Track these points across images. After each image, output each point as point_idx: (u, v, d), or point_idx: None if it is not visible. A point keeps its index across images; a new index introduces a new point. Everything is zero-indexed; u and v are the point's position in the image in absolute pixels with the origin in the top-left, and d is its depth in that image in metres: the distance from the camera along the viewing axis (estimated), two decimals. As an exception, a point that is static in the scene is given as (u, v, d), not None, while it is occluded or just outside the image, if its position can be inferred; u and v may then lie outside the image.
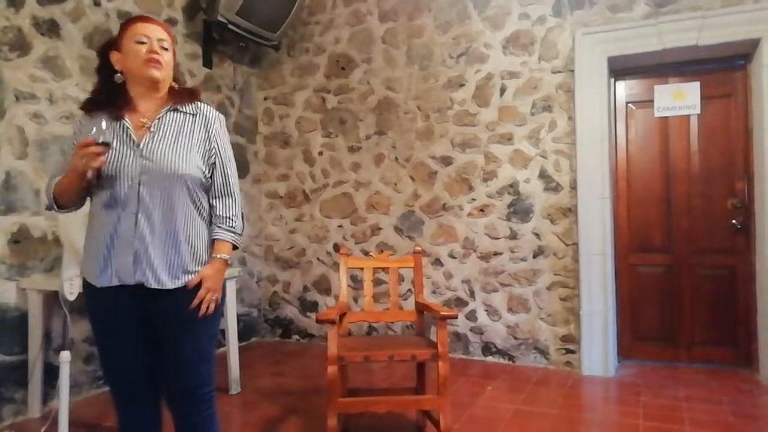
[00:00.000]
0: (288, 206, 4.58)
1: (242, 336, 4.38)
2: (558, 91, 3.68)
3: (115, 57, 1.66)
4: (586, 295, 3.54)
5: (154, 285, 1.58)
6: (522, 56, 3.78)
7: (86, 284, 1.65)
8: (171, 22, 3.80)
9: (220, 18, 3.77)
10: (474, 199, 3.92)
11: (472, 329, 3.93)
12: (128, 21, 1.68)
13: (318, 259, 4.46)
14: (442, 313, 2.45)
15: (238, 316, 4.29)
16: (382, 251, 4.02)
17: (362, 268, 2.97)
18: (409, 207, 4.15)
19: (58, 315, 2.95)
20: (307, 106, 4.50)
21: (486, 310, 3.89)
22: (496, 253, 3.86)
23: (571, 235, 3.63)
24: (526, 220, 3.76)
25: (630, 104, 3.76)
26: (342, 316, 2.79)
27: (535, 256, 3.74)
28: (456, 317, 2.57)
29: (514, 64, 3.80)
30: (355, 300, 4.25)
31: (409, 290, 4.07)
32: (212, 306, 1.65)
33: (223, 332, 3.51)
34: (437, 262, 4.04)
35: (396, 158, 4.18)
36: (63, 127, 3.09)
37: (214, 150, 1.71)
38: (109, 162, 1.57)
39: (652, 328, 3.71)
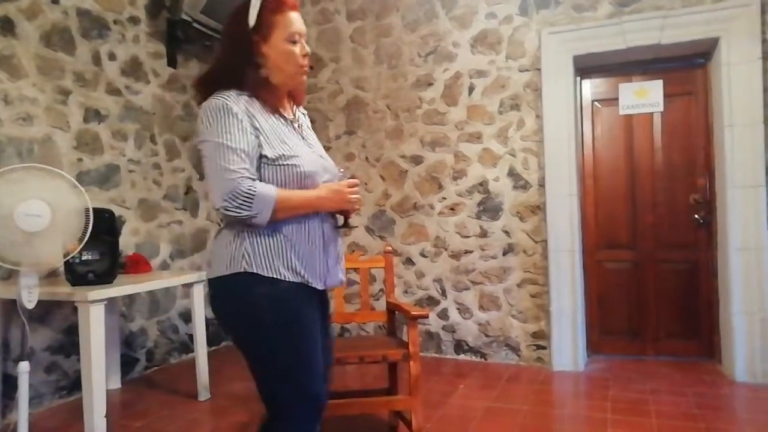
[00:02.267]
0: (257, 207, 4.51)
1: (212, 340, 4.30)
2: (525, 90, 3.71)
3: (258, 45, 1.46)
4: (555, 291, 3.58)
5: (336, 283, 1.57)
6: (490, 55, 3.80)
7: (292, 289, 1.45)
8: (133, 20, 3.71)
9: (184, 16, 3.70)
10: (444, 198, 3.93)
11: (444, 328, 3.94)
12: (278, 8, 1.46)
13: (288, 260, 4.40)
14: (412, 313, 2.44)
15: (207, 320, 4.21)
16: (353, 251, 4.00)
17: (332, 270, 2.94)
18: (380, 206, 4.13)
19: (16, 324, 2.85)
20: (276, 106, 4.43)
21: (458, 309, 3.90)
22: (466, 252, 3.87)
23: (540, 233, 3.66)
24: (496, 218, 3.79)
25: (596, 102, 3.82)
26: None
27: (505, 254, 3.77)
28: (427, 317, 2.57)
29: (481, 63, 3.82)
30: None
31: (381, 290, 4.06)
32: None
33: (190, 337, 3.45)
34: (409, 261, 4.04)
35: (366, 158, 4.16)
36: (19, 129, 2.98)
37: None
38: (311, 158, 1.50)
39: (619, 322, 3.77)
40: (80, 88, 3.33)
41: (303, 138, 1.55)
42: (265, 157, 1.42)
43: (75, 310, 2.60)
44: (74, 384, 3.17)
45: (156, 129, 3.89)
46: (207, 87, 1.48)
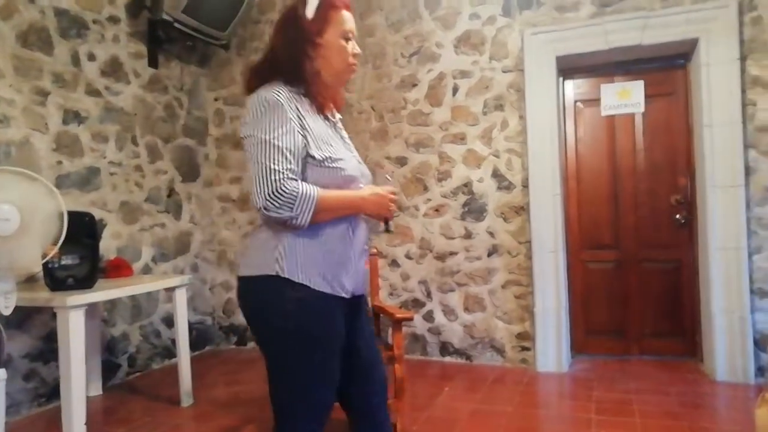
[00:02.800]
0: (241, 210, 4.48)
1: (195, 345, 4.26)
2: (509, 91, 3.72)
3: (314, 39, 1.47)
4: (539, 292, 3.60)
5: (363, 291, 1.58)
6: (473, 56, 3.80)
7: (322, 297, 1.42)
8: (113, 20, 3.65)
9: (165, 16, 3.65)
10: (429, 200, 3.93)
11: (429, 330, 3.93)
12: (335, 5, 1.48)
13: (273, 262, 4.37)
14: (397, 315, 2.44)
15: (191, 324, 4.18)
16: (338, 253, 3.98)
17: (316, 272, 2.92)
18: (364, 208, 4.11)
19: (-7, 330, 2.79)
20: (259, 107, 4.40)
21: (443, 311, 3.90)
22: (451, 253, 3.87)
23: (524, 233, 3.67)
24: (480, 219, 3.79)
25: (578, 103, 3.84)
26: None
27: (489, 255, 3.77)
28: (411, 319, 2.56)
29: (465, 63, 3.82)
30: (312, 303, 4.19)
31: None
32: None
33: (173, 342, 3.41)
34: (394, 263, 4.03)
35: (350, 159, 4.14)
36: (-5, 132, 2.92)
37: None
38: (354, 162, 1.51)
39: (603, 322, 3.80)
40: (59, 89, 3.27)
41: (344, 141, 1.56)
42: (312, 157, 1.40)
43: (54, 315, 2.55)
44: (53, 391, 3.11)
45: (137, 130, 3.84)
46: (257, 78, 1.48)
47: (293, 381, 1.42)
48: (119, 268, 3.24)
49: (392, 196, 1.52)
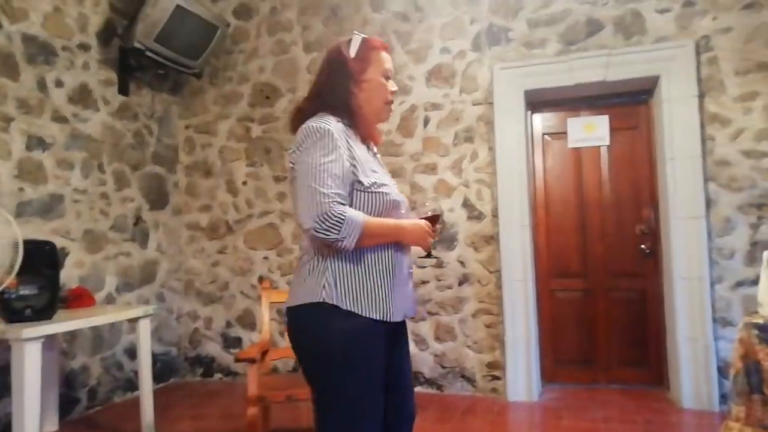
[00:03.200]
0: (210, 238, 4.42)
1: (159, 377, 4.13)
2: (479, 123, 3.79)
3: (355, 77, 1.56)
4: (509, 321, 3.61)
5: (415, 314, 1.62)
6: (444, 88, 3.88)
7: (370, 325, 1.45)
8: (83, 47, 3.62)
9: (137, 44, 3.64)
10: (400, 229, 3.93)
11: (400, 359, 3.89)
12: (376, 46, 1.59)
13: (242, 292, 4.31)
14: (366, 346, 2.40)
15: (156, 355, 4.06)
16: (308, 283, 3.94)
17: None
18: (336, 237, 4.09)
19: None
20: (231, 136, 4.39)
21: (414, 340, 3.87)
22: (423, 282, 3.87)
23: (494, 263, 3.70)
24: (451, 248, 3.81)
25: (546, 135, 3.93)
26: (264, 353, 2.69)
27: (460, 284, 3.79)
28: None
29: (436, 96, 3.89)
30: (282, 335, 4.12)
31: (337, 322, 4.00)
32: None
33: (136, 374, 3.30)
34: (365, 292, 3.99)
35: (322, 188, 4.14)
36: (-45, 157, 2.84)
37: None
38: (397, 191, 1.58)
39: (572, 351, 3.82)
40: (23, 114, 3.21)
41: (385, 171, 1.63)
42: (360, 183, 1.46)
43: (9, 348, 2.45)
44: (5, 429, 2.96)
45: (105, 157, 3.78)
46: (304, 113, 1.55)
47: (341, 415, 1.42)
48: (80, 298, 3.14)
49: (430, 229, 1.58)
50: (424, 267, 3.82)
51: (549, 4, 3.66)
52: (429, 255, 1.68)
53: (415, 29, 3.96)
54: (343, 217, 1.36)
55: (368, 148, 1.60)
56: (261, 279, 4.22)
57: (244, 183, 4.34)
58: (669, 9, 3.45)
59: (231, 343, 4.31)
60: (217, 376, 4.34)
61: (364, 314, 1.43)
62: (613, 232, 3.77)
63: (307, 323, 1.45)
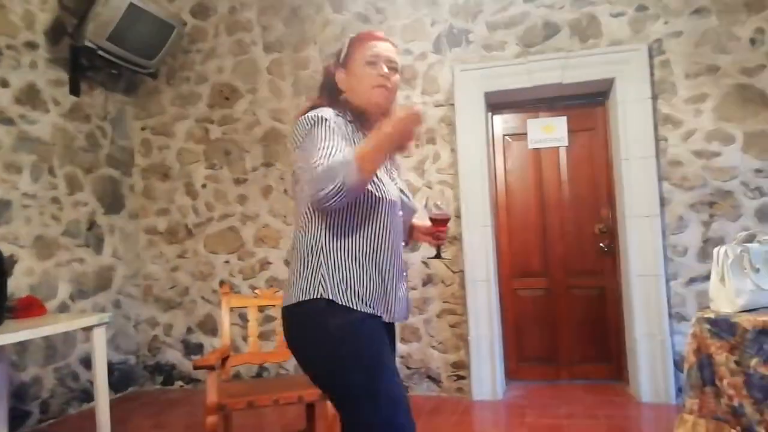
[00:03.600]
0: (169, 242, 4.30)
1: (117, 387, 4.01)
2: (440, 124, 3.81)
3: (340, 76, 1.56)
4: (473, 320, 3.64)
5: (405, 319, 1.58)
6: (406, 90, 3.88)
7: (368, 320, 1.41)
8: (31, 46, 3.48)
9: (88, 43, 3.52)
10: (364, 230, 3.91)
11: (365, 362, 3.87)
12: (359, 39, 1.56)
13: (203, 297, 4.21)
14: (329, 350, 2.38)
15: (113, 364, 3.94)
16: (272, 287, 3.88)
17: (247, 307, 2.83)
18: (298, 240, 4.05)
19: None
20: (189, 137, 4.29)
21: (379, 342, 3.85)
22: (387, 284, 3.85)
23: (458, 263, 3.72)
24: (416, 249, 3.81)
25: (506, 137, 3.98)
26: (225, 359, 2.63)
27: (424, 285, 3.79)
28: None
29: (398, 97, 3.88)
30: (245, 339, 4.05)
31: (301, 325, 3.95)
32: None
33: (93, 384, 3.18)
34: (329, 295, 3.96)
35: (285, 190, 4.09)
36: None
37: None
38: (391, 187, 1.50)
39: (535, 349, 3.88)
40: (-34, 116, 3.06)
41: (386, 169, 1.57)
42: None
43: (-49, 362, 2.32)
44: (-49, 446, 2.82)
45: (55, 160, 3.64)
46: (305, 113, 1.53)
47: (366, 410, 1.36)
48: (30, 307, 3.00)
49: (412, 115, 1.38)
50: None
51: (507, 7, 3.71)
52: (438, 255, 1.67)
53: (377, 30, 3.94)
54: (326, 165, 1.29)
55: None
56: (222, 283, 4.14)
57: (204, 186, 4.25)
58: (623, 13, 3.54)
59: (192, 349, 4.21)
60: (178, 383, 4.23)
61: (359, 309, 1.40)
62: (573, 231, 3.85)
63: (306, 321, 1.41)
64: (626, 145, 3.49)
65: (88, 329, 2.95)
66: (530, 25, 3.67)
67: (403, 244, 1.56)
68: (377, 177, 1.46)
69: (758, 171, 3.33)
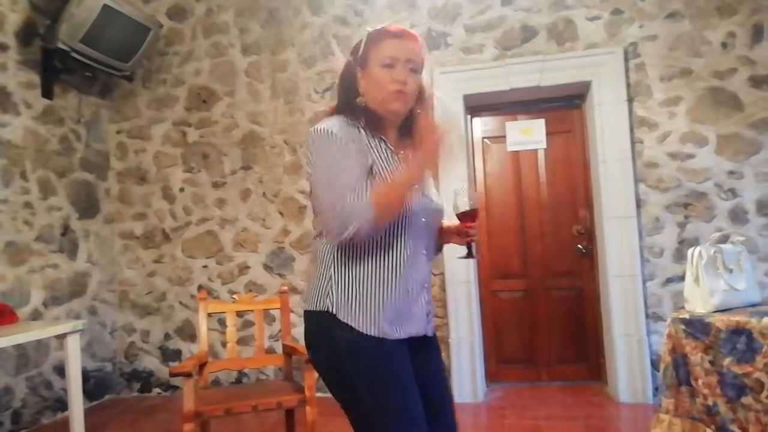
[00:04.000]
0: (146, 247, 4.23)
1: (93, 395, 3.93)
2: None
3: (358, 75, 1.45)
4: (453, 323, 3.64)
5: (430, 333, 1.47)
6: (385, 93, 3.87)
7: (370, 339, 1.34)
8: (1, 47, 3.40)
9: (61, 45, 3.45)
10: (344, 234, 3.90)
11: (346, 366, 3.85)
12: (376, 37, 1.43)
13: (181, 303, 4.15)
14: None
15: (89, 372, 3.87)
16: (251, 291, 3.85)
17: (225, 312, 2.80)
18: (278, 243, 4.02)
19: None
20: (166, 140, 4.23)
21: (359, 345, 3.84)
22: (367, 287, 3.84)
23: (439, 265, 3.72)
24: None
25: (485, 139, 4.00)
26: (203, 365, 2.60)
27: (404, 288, 3.78)
28: (323, 358, 2.48)
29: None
30: (224, 345, 4.00)
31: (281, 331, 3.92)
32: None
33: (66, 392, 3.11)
34: (309, 298, 3.93)
35: (264, 193, 4.06)
36: None
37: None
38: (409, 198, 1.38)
39: (514, 351, 3.89)
40: (-67, 119, 2.98)
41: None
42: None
43: None
44: None
45: (27, 165, 3.55)
46: (320, 118, 1.48)
47: (373, 427, 1.34)
48: (1, 315, 2.93)
49: (438, 132, 1.35)
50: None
51: (485, 10, 3.73)
52: (470, 254, 1.52)
53: (355, 33, 3.94)
54: (346, 210, 1.27)
55: (389, 146, 1.46)
56: (200, 288, 4.08)
57: (181, 189, 4.19)
58: (599, 17, 3.58)
59: (170, 356, 4.14)
60: (156, 391, 4.16)
61: (358, 328, 1.34)
62: (551, 232, 3.87)
63: (317, 330, 1.40)
64: (603, 147, 3.52)
65: (61, 337, 2.89)
66: (508, 29, 3.70)
67: (426, 252, 1.45)
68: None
69: (731, 173, 3.39)
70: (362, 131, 1.42)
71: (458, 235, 1.53)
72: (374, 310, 1.35)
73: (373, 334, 1.34)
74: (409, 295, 1.40)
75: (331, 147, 1.34)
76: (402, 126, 1.49)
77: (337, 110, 1.47)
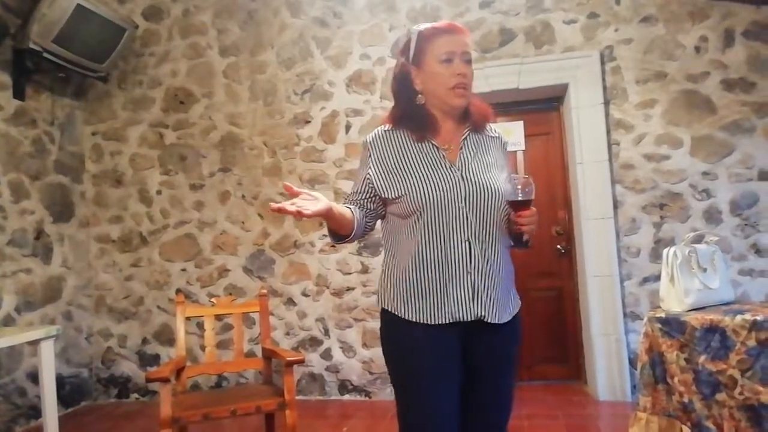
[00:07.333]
0: (122, 251, 4.17)
1: (69, 401, 3.85)
2: (400, 129, 3.81)
3: (414, 74, 1.48)
4: (434, 324, 3.64)
5: (493, 320, 1.43)
6: (365, 95, 3.87)
7: (402, 322, 1.44)
8: (-30, 47, 3.32)
9: (33, 45, 3.38)
10: (325, 235, 3.88)
11: (327, 368, 3.84)
12: (431, 34, 1.46)
13: (158, 307, 4.09)
14: (288, 358, 2.35)
15: (64, 378, 3.80)
16: (230, 294, 3.81)
17: (203, 316, 2.77)
18: (258, 246, 3.99)
19: None
20: (143, 142, 4.17)
21: (341, 347, 3.83)
22: (348, 289, 3.84)
23: (419, 267, 3.72)
24: (377, 254, 3.80)
25: (465, 141, 4.01)
26: (181, 370, 2.56)
27: (385, 290, 3.78)
28: (302, 362, 2.47)
29: (357, 102, 3.88)
30: (203, 349, 3.95)
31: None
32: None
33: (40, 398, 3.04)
34: (290, 301, 3.92)
35: (243, 196, 4.02)
36: None
37: (506, 175, 1.55)
38: (432, 187, 1.41)
39: (495, 351, 3.91)
40: None
41: (450, 164, 1.46)
42: (384, 198, 1.48)
43: None
44: None
45: (-1, 167, 3.48)
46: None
47: (399, 410, 1.47)
48: (-28, 322, 2.86)
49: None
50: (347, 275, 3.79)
51: (464, 13, 3.75)
52: (522, 244, 1.50)
53: (335, 35, 3.93)
54: None
55: (433, 144, 1.48)
56: (178, 292, 4.03)
57: (159, 192, 4.13)
58: (575, 20, 3.62)
59: (148, 361, 4.08)
60: (134, 396, 4.09)
61: (398, 314, 1.44)
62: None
63: (381, 327, 1.53)
64: (580, 149, 3.57)
65: (35, 343, 2.82)
66: (486, 32, 3.72)
67: (471, 239, 1.42)
68: (408, 186, 1.42)
69: (705, 174, 3.45)
70: (409, 137, 1.49)
71: (513, 222, 1.48)
72: (397, 292, 1.45)
73: (411, 319, 1.42)
74: (449, 276, 1.40)
75: (361, 157, 1.56)
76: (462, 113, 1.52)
77: (391, 116, 1.54)
